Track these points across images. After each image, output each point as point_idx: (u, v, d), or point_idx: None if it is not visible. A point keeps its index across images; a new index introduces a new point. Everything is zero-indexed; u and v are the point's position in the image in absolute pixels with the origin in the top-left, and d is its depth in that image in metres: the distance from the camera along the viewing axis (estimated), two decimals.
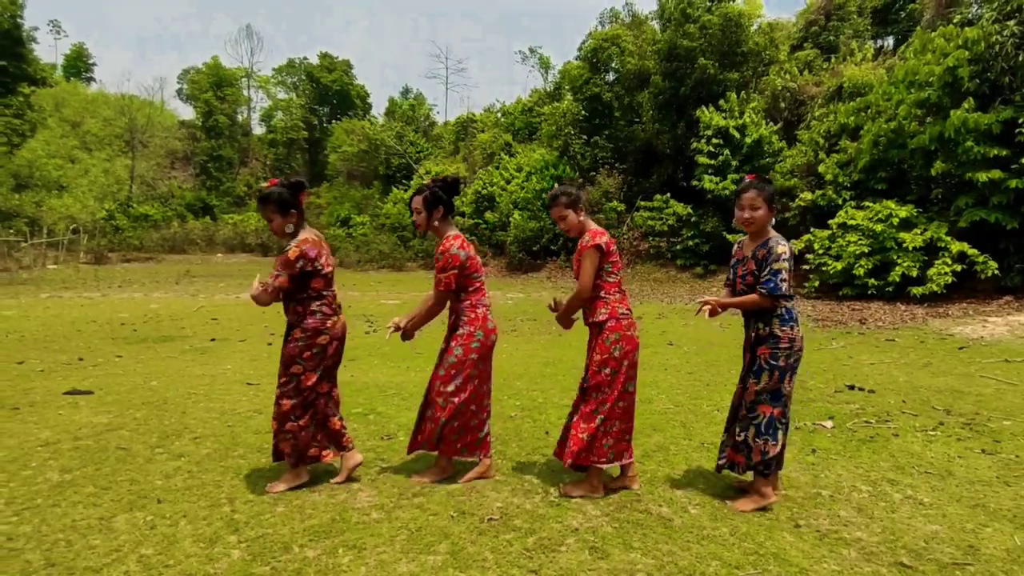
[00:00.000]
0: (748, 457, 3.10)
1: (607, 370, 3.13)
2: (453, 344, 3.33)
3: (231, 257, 31.07)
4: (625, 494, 3.15)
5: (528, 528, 2.75)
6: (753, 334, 3.12)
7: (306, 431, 3.16)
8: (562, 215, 3.26)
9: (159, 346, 7.59)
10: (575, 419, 3.19)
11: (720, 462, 3.24)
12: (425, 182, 3.49)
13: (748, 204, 3.02)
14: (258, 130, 48.78)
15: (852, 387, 5.63)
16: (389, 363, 6.75)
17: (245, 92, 48.65)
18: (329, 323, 3.20)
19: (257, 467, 3.45)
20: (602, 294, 3.18)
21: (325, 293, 3.21)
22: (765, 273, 2.97)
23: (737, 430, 3.16)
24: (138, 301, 12.78)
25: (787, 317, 3.07)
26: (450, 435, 3.26)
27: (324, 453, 3.25)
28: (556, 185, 3.32)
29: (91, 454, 3.63)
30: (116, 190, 35.82)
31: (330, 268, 3.25)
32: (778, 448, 3.07)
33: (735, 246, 3.28)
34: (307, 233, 3.20)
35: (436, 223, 3.35)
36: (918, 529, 2.79)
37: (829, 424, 4.44)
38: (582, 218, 3.27)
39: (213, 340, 8.08)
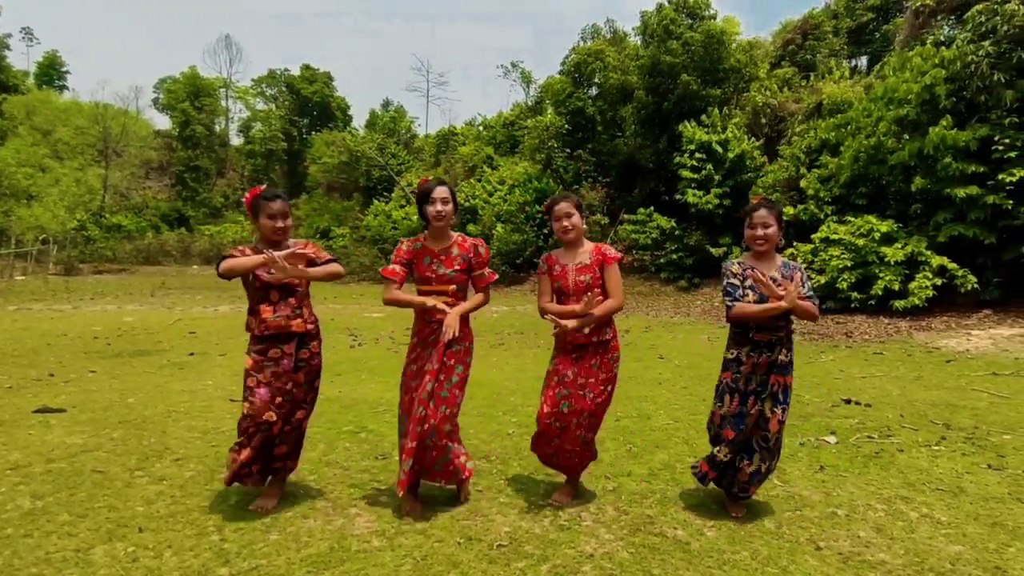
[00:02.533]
0: (758, 484, 3.09)
1: (611, 388, 3.16)
2: (453, 361, 3.02)
3: (207, 269, 30.40)
4: (638, 516, 3.02)
5: (540, 555, 2.60)
6: (778, 358, 2.97)
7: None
8: (570, 212, 3.10)
9: (135, 361, 7.28)
10: (582, 436, 3.09)
11: (742, 496, 3.10)
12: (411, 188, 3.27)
13: (761, 222, 3.00)
14: (236, 141, 48.20)
15: (848, 401, 5.60)
16: (377, 378, 6.55)
17: (223, 102, 48.11)
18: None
19: (245, 491, 3.24)
20: None
21: None
22: (808, 291, 2.96)
23: (758, 459, 3.00)
24: (111, 314, 12.35)
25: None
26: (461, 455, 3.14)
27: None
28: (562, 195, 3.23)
29: (65, 478, 3.39)
30: (88, 200, 34.96)
31: None
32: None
33: (738, 265, 3.07)
34: None
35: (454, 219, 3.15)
36: (941, 550, 2.70)
37: (832, 439, 4.37)
38: (584, 226, 3.18)
39: (192, 354, 7.79)
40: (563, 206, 3.11)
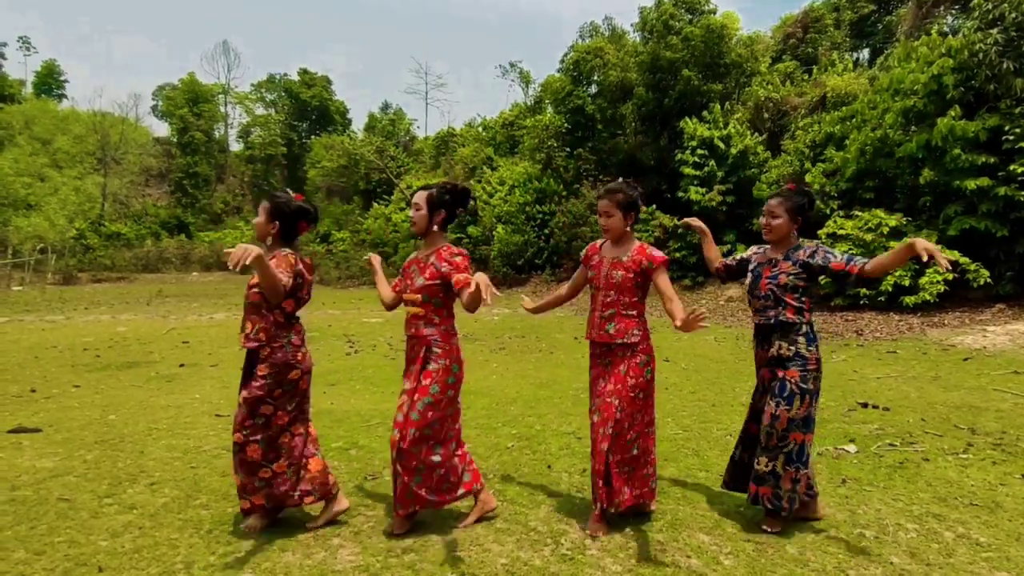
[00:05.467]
0: (777, 487, 2.83)
1: (641, 395, 2.90)
2: (427, 382, 2.82)
3: (207, 276, 30.24)
4: (647, 542, 2.76)
5: None
6: (775, 352, 2.92)
7: (282, 477, 2.80)
8: (609, 213, 2.96)
9: (122, 373, 7.04)
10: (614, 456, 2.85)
11: (737, 488, 3.11)
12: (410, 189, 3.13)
13: (768, 211, 3.02)
14: (236, 147, 48.03)
15: (865, 404, 5.33)
16: (372, 387, 6.30)
17: (222, 108, 47.96)
18: (299, 355, 2.88)
19: (222, 519, 3.00)
20: (634, 313, 2.96)
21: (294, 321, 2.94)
22: (839, 257, 2.87)
23: (764, 460, 2.86)
24: (104, 324, 12.14)
25: (812, 335, 2.93)
26: (440, 485, 2.85)
27: (306, 499, 2.88)
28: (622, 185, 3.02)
29: (28, 508, 3.14)
30: (87, 208, 34.86)
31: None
32: (807, 475, 2.90)
33: (752, 251, 3.22)
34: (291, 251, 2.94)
35: (435, 228, 2.97)
36: None
37: (852, 449, 4.10)
38: (628, 228, 3.00)
39: (182, 366, 7.55)
40: (602, 203, 2.99)
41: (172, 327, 11.50)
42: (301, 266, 2.87)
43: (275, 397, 2.79)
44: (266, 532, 2.83)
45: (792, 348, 2.87)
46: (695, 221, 3.35)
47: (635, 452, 2.88)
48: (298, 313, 2.94)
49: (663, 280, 2.90)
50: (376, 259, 3.36)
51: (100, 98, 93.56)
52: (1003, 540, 2.78)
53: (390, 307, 3.16)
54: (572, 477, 3.62)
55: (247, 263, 2.39)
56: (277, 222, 2.90)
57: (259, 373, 2.77)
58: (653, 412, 2.99)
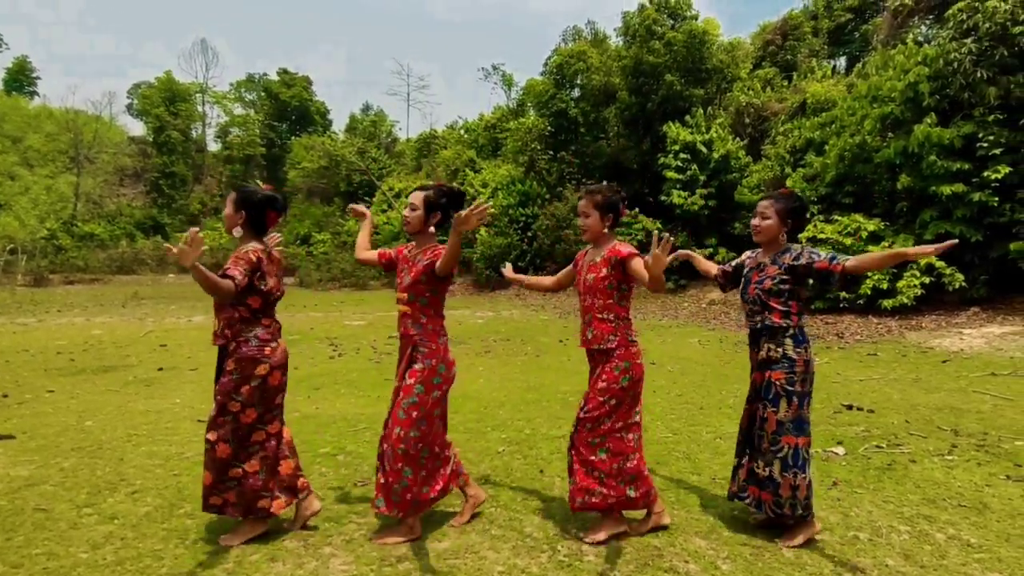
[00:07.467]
0: (776, 494, 2.79)
1: (612, 400, 2.78)
2: (411, 381, 2.80)
3: (184, 277, 29.67)
4: (644, 548, 2.74)
5: None
6: (763, 355, 2.92)
7: (254, 476, 2.73)
8: (587, 213, 2.94)
9: (98, 378, 6.85)
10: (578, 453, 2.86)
11: (742, 496, 2.99)
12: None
13: (759, 212, 3.03)
14: (214, 147, 47.29)
15: (850, 407, 5.39)
16: (358, 391, 6.21)
17: (200, 108, 47.20)
18: (267, 350, 2.82)
19: (208, 528, 2.91)
20: (610, 317, 2.84)
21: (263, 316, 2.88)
22: (823, 257, 2.82)
23: (761, 464, 2.86)
24: (79, 327, 11.82)
25: (800, 338, 2.90)
26: (421, 486, 2.80)
27: (275, 503, 2.79)
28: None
29: (3, 518, 3.02)
30: (59, 208, 33.98)
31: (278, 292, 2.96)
32: (807, 480, 2.80)
33: (746, 255, 3.20)
34: (258, 245, 2.88)
35: (430, 229, 2.99)
36: None
37: (841, 451, 4.14)
38: (606, 230, 2.94)
39: (161, 369, 7.37)
40: (581, 204, 2.99)
41: (149, 330, 11.24)
42: (265, 262, 2.82)
43: (241, 393, 2.74)
44: (255, 541, 2.75)
45: (779, 350, 2.85)
46: (681, 254, 3.43)
47: (602, 456, 2.76)
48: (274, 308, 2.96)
49: (635, 266, 2.74)
50: (363, 208, 3.37)
51: (73, 96, 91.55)
52: (993, 541, 2.81)
53: (362, 262, 3.31)
54: (565, 482, 3.58)
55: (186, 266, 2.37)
56: (244, 212, 2.85)
57: (227, 369, 2.78)
58: (631, 419, 2.81)
